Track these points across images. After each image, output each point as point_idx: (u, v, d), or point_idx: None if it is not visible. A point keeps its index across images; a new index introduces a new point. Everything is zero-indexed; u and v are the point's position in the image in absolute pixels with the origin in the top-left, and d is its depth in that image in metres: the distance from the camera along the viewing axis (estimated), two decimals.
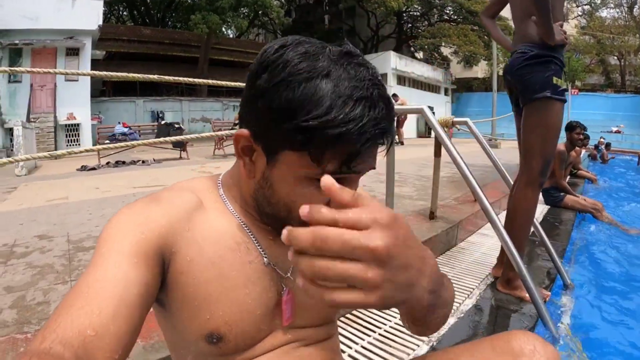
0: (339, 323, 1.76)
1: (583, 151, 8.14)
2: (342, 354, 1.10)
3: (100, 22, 13.33)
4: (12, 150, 9.80)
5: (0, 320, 1.44)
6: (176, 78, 2.47)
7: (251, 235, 0.61)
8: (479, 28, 24.44)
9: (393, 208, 2.41)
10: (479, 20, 23.63)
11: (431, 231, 2.64)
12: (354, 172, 0.51)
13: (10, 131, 10.59)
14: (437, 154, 2.91)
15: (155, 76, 2.36)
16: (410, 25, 30.49)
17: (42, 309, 1.54)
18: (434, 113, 2.21)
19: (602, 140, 14.05)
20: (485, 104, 21.62)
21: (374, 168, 0.55)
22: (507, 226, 1.94)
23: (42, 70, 2.02)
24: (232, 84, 2.79)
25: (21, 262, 2.10)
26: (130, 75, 2.25)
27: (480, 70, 28.55)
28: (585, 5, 31.70)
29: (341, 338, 1.65)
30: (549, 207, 4.20)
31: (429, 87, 24.96)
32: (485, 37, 17.13)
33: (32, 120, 11.47)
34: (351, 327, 1.70)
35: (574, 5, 31.83)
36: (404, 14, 28.82)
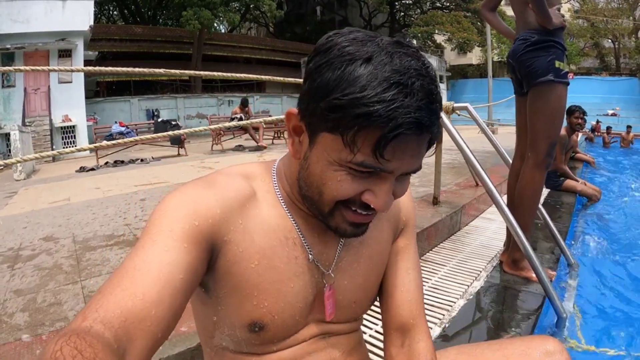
0: None
1: (580, 134, 8.18)
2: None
3: (92, 23, 13.19)
4: (9, 155, 9.76)
5: (12, 324, 1.43)
6: (169, 71, 2.44)
7: (298, 230, 0.62)
8: (472, 14, 24.36)
9: None
10: (472, 8, 23.65)
11: (435, 216, 2.65)
12: (386, 168, 0.48)
13: (6, 136, 10.53)
14: (439, 140, 2.91)
15: (149, 70, 2.36)
16: (402, 13, 30.35)
17: (54, 310, 1.53)
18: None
19: (598, 123, 14.13)
20: (481, 90, 21.60)
21: (416, 170, 0.52)
22: (513, 207, 1.96)
23: (33, 68, 2.00)
24: (225, 74, 2.78)
25: (29, 265, 2.10)
26: (125, 69, 2.24)
27: (474, 57, 28.39)
28: None
29: None
30: (549, 190, 4.23)
31: None
32: (479, 23, 17.04)
33: (28, 124, 11.40)
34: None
35: None
36: (396, 3, 28.75)
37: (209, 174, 0.62)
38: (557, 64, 1.81)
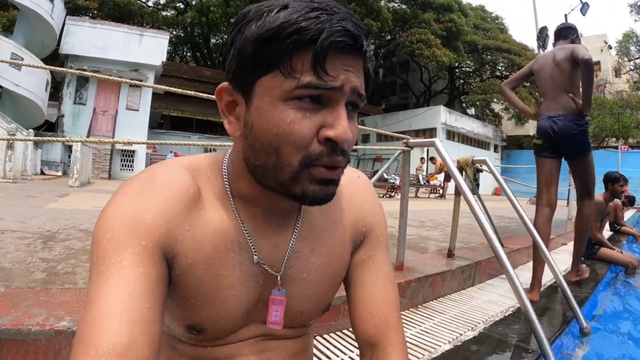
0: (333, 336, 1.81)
1: (634, 211, 7.69)
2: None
3: (164, 59, 14.56)
4: (69, 165, 10.63)
5: (31, 279, 1.67)
6: None
7: (246, 232, 0.57)
8: (530, 85, 24.43)
9: (404, 244, 2.48)
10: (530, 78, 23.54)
11: (444, 267, 2.64)
12: (333, 84, 0.46)
13: (69, 148, 11.55)
14: (458, 192, 2.95)
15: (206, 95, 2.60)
16: (462, 81, 30.75)
17: (67, 277, 1.75)
18: (480, 171, 2.28)
19: None
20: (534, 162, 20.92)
21: (362, 96, 0.51)
22: (543, 245, 2.33)
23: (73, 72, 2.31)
24: None
25: (60, 245, 2.35)
26: (187, 92, 2.48)
27: (531, 128, 27.70)
28: (637, 59, 31.01)
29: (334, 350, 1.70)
30: (583, 258, 4.04)
31: (479, 143, 24.61)
32: (536, 93, 16.93)
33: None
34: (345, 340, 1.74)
35: (626, 60, 31.25)
36: (456, 70, 29.12)
37: (150, 167, 0.57)
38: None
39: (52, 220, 3.17)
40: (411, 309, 2.24)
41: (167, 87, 2.53)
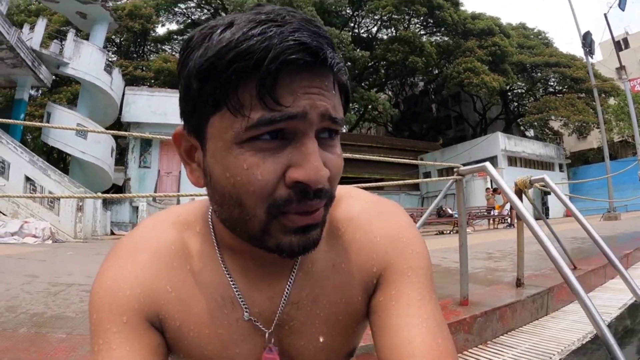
0: None
1: None
2: None
3: None
4: (136, 224, 11.39)
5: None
6: None
7: (234, 286, 0.51)
8: (586, 95, 22.96)
9: (467, 277, 2.34)
10: (585, 87, 21.96)
11: (512, 297, 2.43)
12: (290, 112, 0.38)
13: (137, 209, 12.41)
14: (519, 217, 2.75)
15: None
16: (516, 103, 29.89)
17: None
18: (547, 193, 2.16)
19: None
20: (603, 175, 19.58)
21: (335, 118, 0.42)
22: None
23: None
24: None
25: None
26: None
27: (595, 140, 25.51)
28: None
29: None
30: None
31: (542, 164, 23.22)
32: (594, 102, 15.65)
33: (158, 201, 13.31)
34: None
35: None
36: (508, 93, 28.43)
37: (139, 224, 0.56)
38: None
39: None
40: (480, 346, 2.06)
41: None
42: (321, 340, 0.54)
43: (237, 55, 0.37)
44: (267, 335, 0.52)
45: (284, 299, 0.52)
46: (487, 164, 2.21)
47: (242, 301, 0.51)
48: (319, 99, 0.39)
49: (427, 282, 0.52)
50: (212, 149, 0.42)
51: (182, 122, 0.46)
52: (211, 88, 0.39)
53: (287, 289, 0.52)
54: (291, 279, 0.52)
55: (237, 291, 0.51)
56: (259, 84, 0.37)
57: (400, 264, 0.52)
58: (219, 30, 0.39)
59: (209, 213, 0.53)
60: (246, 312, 0.51)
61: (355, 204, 0.57)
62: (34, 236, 7.99)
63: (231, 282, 0.51)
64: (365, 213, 0.56)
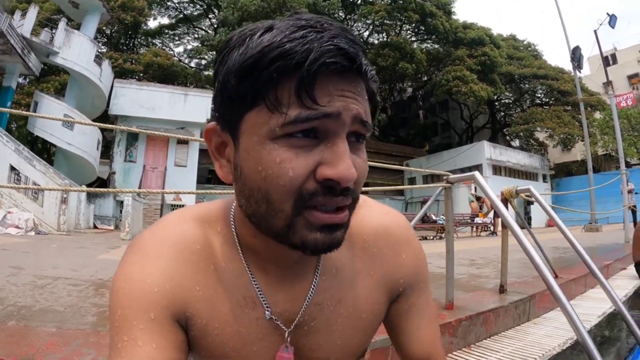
0: None
1: None
2: None
3: (209, 117, 15.33)
4: (120, 219, 11.24)
5: (82, 321, 1.75)
6: None
7: (256, 285, 0.53)
8: (572, 108, 23.38)
9: (453, 283, 2.38)
10: (572, 101, 22.53)
11: (496, 303, 2.49)
12: (326, 111, 0.40)
13: (121, 203, 12.25)
14: (504, 225, 2.83)
15: None
16: (503, 113, 30.26)
17: None
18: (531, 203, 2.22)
19: None
20: (585, 187, 20.11)
21: (366, 123, 0.44)
22: None
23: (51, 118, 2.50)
24: None
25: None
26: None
27: (579, 153, 26.05)
28: None
29: None
30: None
31: (526, 174, 23.64)
32: (579, 115, 16.03)
33: (142, 197, 13.14)
34: None
35: None
36: (496, 103, 28.73)
37: (160, 220, 0.56)
38: None
39: (103, 269, 3.33)
40: (464, 349, 2.11)
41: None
42: (339, 340, 0.57)
43: (279, 54, 0.39)
44: (287, 334, 0.54)
45: (308, 300, 0.54)
46: (476, 173, 2.27)
47: (263, 301, 0.53)
48: (352, 102, 0.42)
49: (429, 289, 0.64)
50: (245, 143, 0.44)
51: (215, 117, 0.48)
52: (250, 85, 0.41)
53: (312, 290, 0.55)
54: (315, 281, 0.55)
55: (259, 291, 0.53)
56: (298, 83, 0.39)
57: (419, 279, 0.62)
58: (259, 32, 0.42)
59: (231, 213, 0.54)
60: (267, 311, 0.53)
61: (373, 216, 0.61)
62: (17, 227, 7.87)
63: (253, 282, 0.53)
64: (395, 229, 0.62)
